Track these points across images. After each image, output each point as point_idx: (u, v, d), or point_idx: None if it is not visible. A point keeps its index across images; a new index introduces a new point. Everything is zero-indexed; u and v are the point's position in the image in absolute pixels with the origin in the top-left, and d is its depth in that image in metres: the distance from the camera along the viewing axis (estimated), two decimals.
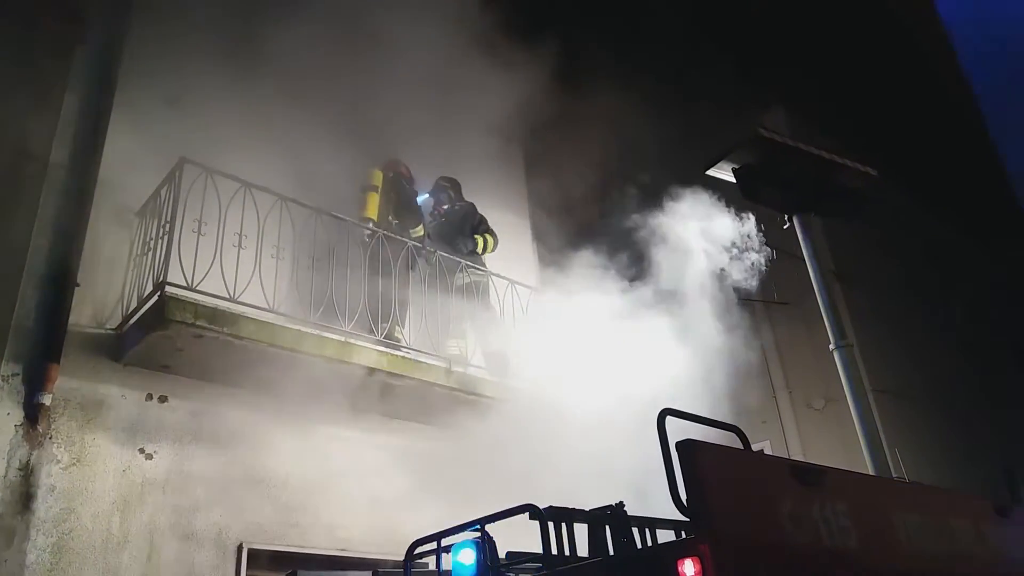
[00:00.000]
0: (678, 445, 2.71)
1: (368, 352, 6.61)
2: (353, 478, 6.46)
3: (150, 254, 6.08)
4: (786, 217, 6.75)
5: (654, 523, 3.65)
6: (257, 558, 5.91)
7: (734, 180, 6.64)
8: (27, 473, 5.25)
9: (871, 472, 5.76)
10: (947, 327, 13.52)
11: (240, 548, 5.88)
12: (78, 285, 5.96)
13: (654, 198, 7.59)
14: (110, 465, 5.62)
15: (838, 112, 12.31)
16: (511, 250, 9.21)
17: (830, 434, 10.43)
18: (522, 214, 10.17)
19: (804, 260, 6.75)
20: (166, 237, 5.94)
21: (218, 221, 6.17)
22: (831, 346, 6.18)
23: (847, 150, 6.95)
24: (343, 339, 6.48)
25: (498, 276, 8.23)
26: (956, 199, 14.65)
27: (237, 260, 6.12)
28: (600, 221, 11.05)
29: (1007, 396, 13.38)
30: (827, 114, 12.13)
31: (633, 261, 8.10)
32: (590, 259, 8.05)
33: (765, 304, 12.50)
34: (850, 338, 6.56)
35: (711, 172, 6.68)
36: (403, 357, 6.90)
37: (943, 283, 14.03)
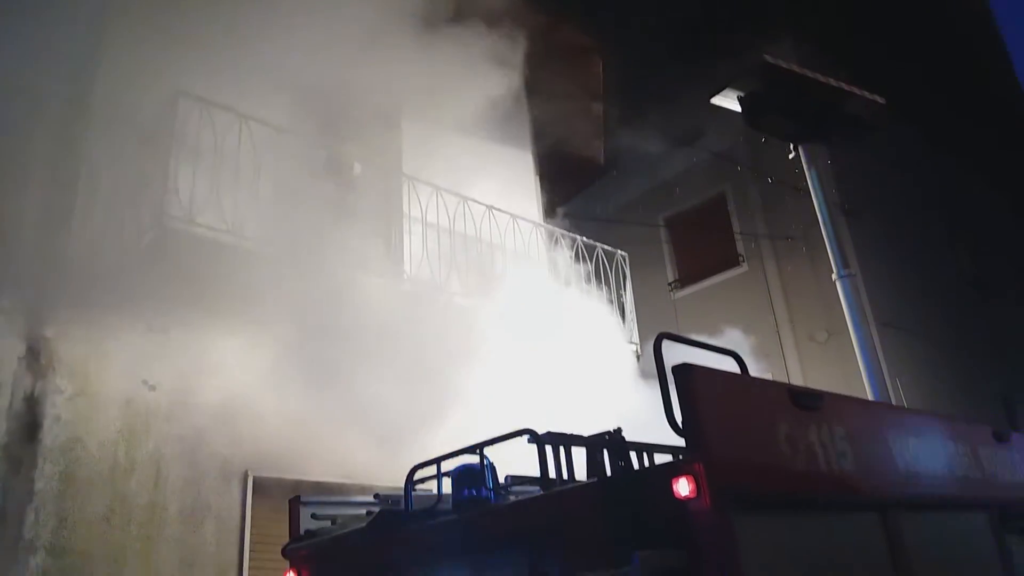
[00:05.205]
0: (675, 369, 2.69)
1: (370, 284, 6.58)
2: (357, 408, 6.49)
3: (148, 187, 6.03)
4: (791, 146, 6.64)
5: (652, 448, 3.67)
6: (262, 485, 6.02)
7: (739, 109, 6.51)
8: (32, 404, 5.31)
9: None
10: (952, 261, 13.48)
11: (246, 475, 6.00)
12: (76, 219, 5.94)
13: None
14: (114, 396, 5.68)
15: (846, 43, 12.04)
16: (513, 184, 9.12)
17: (832, 367, 10.50)
18: (524, 147, 10.04)
19: (809, 194, 6.65)
20: (163, 170, 5.89)
21: (215, 153, 6.11)
22: (834, 276, 6.14)
23: (855, 81, 6.80)
24: (345, 271, 6.46)
25: (499, 210, 8.17)
26: (965, 133, 14.42)
27: (236, 192, 6.07)
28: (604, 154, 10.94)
29: (1008, 329, 13.42)
30: (835, 45, 11.87)
31: None
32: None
33: (770, 238, 12.47)
34: (853, 268, 6.51)
35: (716, 100, 6.55)
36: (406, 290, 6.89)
37: (949, 218, 13.94)
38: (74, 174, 6.10)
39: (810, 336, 11.41)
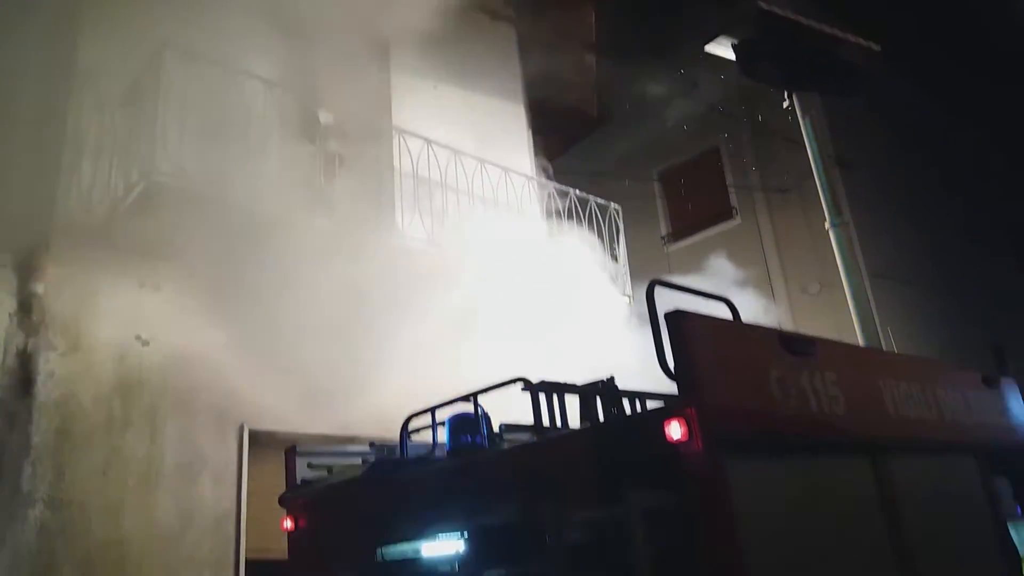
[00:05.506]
0: (667, 315, 2.69)
1: (363, 238, 6.55)
2: (353, 362, 6.50)
3: (136, 142, 5.95)
4: (785, 95, 6.57)
5: (644, 396, 3.68)
6: (258, 438, 6.05)
7: (733, 57, 6.43)
8: (25, 360, 5.30)
9: None
10: (945, 211, 13.46)
11: (241, 429, 6.02)
12: (64, 175, 5.87)
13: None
14: (108, 352, 5.68)
15: None
16: (505, 137, 9.03)
17: (824, 319, 10.51)
18: (516, 99, 9.91)
19: (803, 147, 6.60)
20: (150, 125, 5.81)
21: (203, 107, 6.02)
22: (826, 224, 6.13)
23: (850, 28, 6.70)
24: (337, 226, 6.42)
25: (492, 164, 8.10)
26: (963, 82, 14.28)
27: (225, 146, 6.00)
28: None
29: (999, 279, 13.46)
30: None
31: None
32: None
33: (763, 191, 12.42)
34: (846, 217, 6.50)
35: (710, 48, 6.46)
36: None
37: (944, 168, 13.87)
38: (61, 128, 6.00)
39: (803, 288, 11.44)
